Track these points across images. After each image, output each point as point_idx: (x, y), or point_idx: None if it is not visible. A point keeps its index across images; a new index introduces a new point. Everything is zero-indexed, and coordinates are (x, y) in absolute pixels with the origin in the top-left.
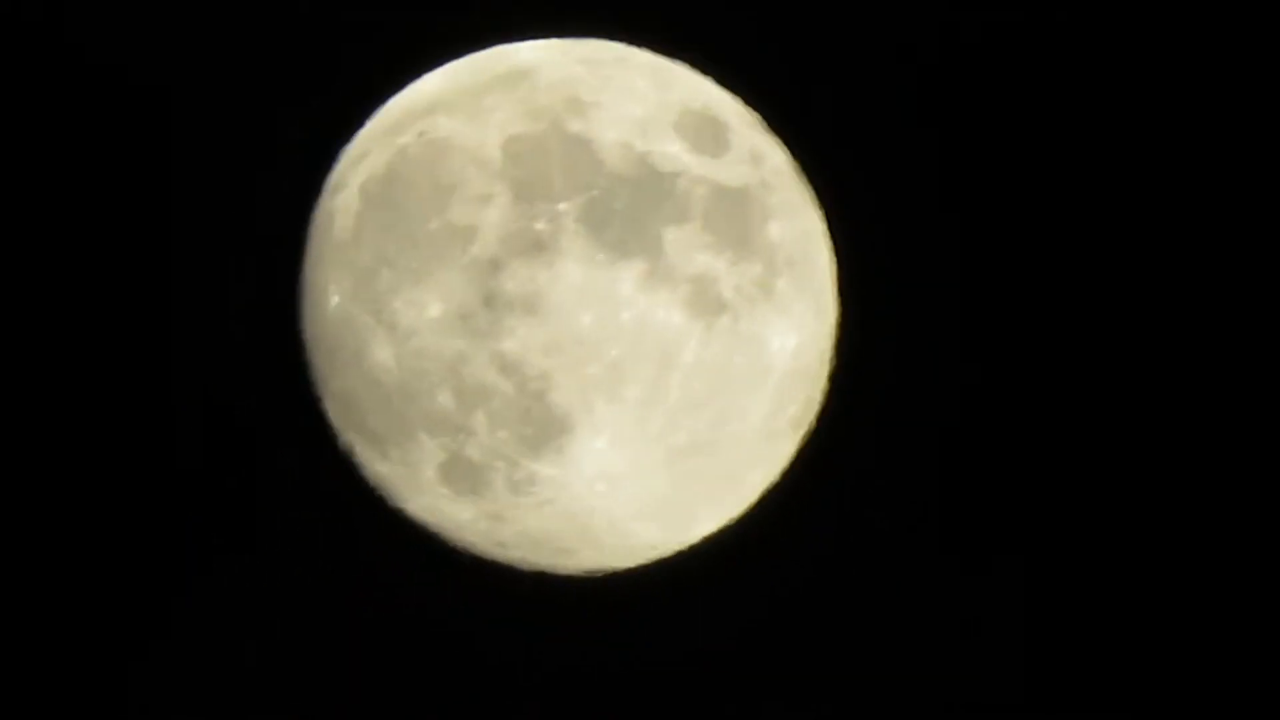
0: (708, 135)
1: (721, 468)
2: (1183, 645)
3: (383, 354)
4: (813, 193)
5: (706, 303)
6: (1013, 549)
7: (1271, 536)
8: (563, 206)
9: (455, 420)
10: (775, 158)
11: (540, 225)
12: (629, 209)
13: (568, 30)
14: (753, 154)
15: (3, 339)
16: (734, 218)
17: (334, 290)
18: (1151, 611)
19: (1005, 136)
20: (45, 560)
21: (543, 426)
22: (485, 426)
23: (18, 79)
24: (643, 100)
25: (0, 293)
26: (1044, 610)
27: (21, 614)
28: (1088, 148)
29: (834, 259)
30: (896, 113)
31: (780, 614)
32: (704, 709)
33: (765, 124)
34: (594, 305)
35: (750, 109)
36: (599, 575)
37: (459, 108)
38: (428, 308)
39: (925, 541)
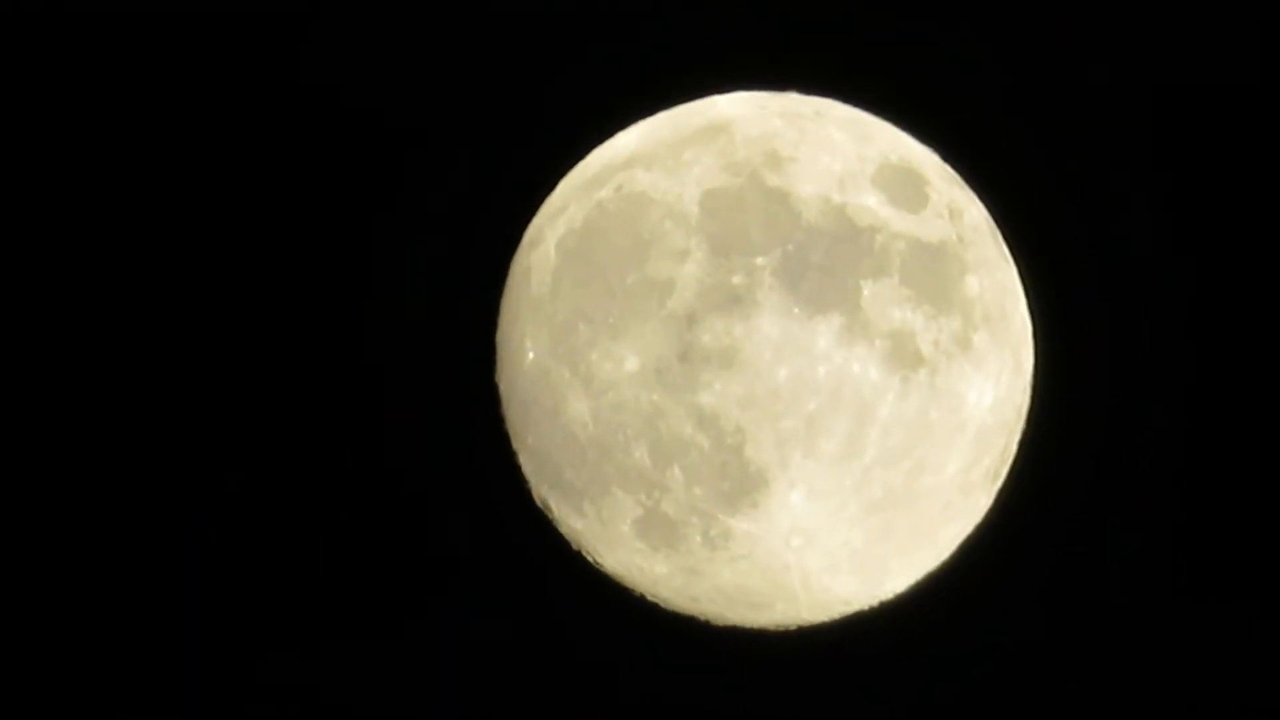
0: (906, 189)
1: (917, 521)
2: None
3: (579, 408)
4: (1010, 247)
5: (904, 357)
6: (1222, 600)
7: None
8: (760, 260)
9: (651, 476)
10: (973, 212)
11: (737, 279)
12: (826, 263)
13: (766, 83)
14: (950, 209)
15: (210, 404)
16: (932, 272)
17: (530, 345)
18: None
19: (1207, 187)
20: (245, 598)
21: (738, 481)
22: (681, 482)
23: (238, 120)
24: (841, 154)
25: (203, 351)
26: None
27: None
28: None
29: (1031, 313)
30: (1093, 167)
31: (974, 671)
32: None
33: (963, 178)
34: (790, 359)
35: (948, 163)
36: (793, 629)
37: (657, 161)
38: (624, 362)
39: (1126, 596)
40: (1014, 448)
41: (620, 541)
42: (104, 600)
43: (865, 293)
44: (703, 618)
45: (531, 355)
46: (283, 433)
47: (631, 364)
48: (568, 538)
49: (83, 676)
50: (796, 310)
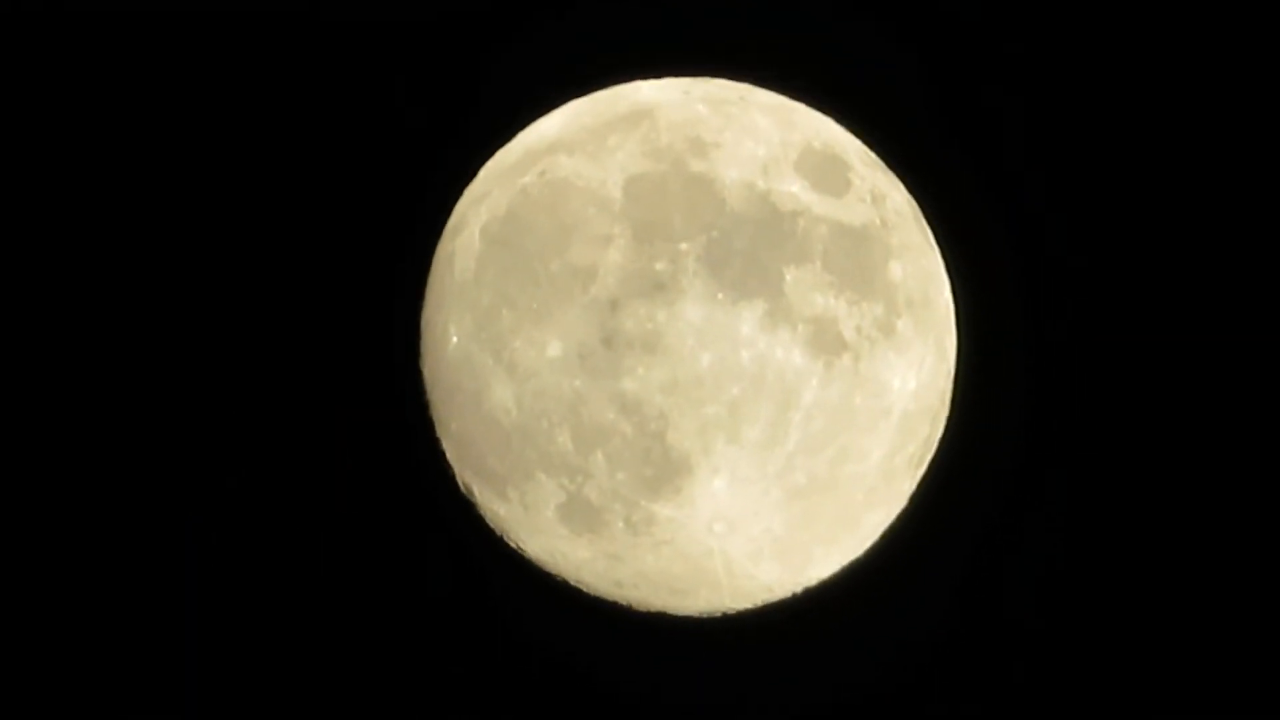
0: (829, 175)
1: (840, 509)
2: None
3: (502, 394)
4: (932, 233)
5: (827, 343)
6: (1141, 588)
7: None
8: (683, 246)
9: (574, 461)
10: (896, 197)
11: (660, 265)
12: (750, 249)
13: (689, 69)
14: (874, 194)
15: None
16: (855, 258)
17: (454, 330)
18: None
19: (1126, 174)
20: (175, 592)
21: (661, 467)
22: (604, 468)
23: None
24: (765, 140)
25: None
26: (1186, 658)
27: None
28: (1202, 185)
29: (954, 299)
30: (1016, 152)
31: (898, 657)
32: None
33: (886, 163)
34: (714, 345)
35: (871, 148)
36: (716, 616)
37: (580, 147)
38: (547, 347)
39: (1047, 583)
40: (938, 435)
41: (543, 527)
42: (103, 600)
43: (788, 278)
44: (626, 603)
45: (455, 341)
46: (206, 415)
47: (554, 349)
48: (491, 524)
49: (82, 676)
50: (720, 296)
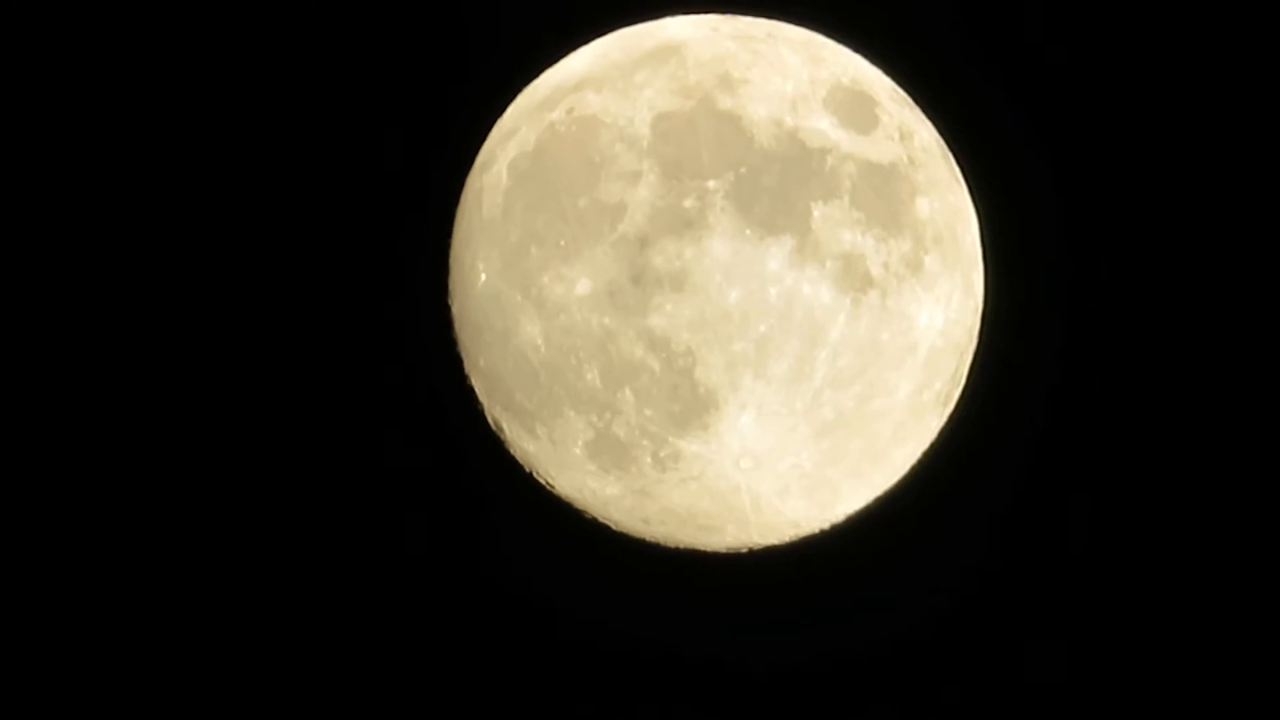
0: (857, 111)
1: (868, 444)
2: None
3: (531, 331)
4: (960, 169)
5: (854, 279)
6: (1166, 523)
7: None
8: (711, 184)
9: (602, 397)
10: (924, 134)
11: (689, 202)
12: (778, 185)
13: (718, 6)
14: (902, 130)
15: (147, 321)
16: (882, 194)
17: (482, 267)
18: None
19: (1153, 112)
20: (188, 548)
21: (689, 403)
22: (632, 404)
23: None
24: (793, 76)
25: (144, 274)
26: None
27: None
28: (1233, 120)
29: (981, 235)
30: (1045, 89)
31: (925, 592)
32: (846, 687)
33: (914, 100)
34: (742, 282)
35: (899, 85)
36: (743, 552)
37: (608, 84)
38: (576, 284)
39: (1075, 518)
40: (965, 371)
41: (572, 463)
42: (102, 599)
43: (815, 214)
44: (653, 540)
45: (484, 278)
46: (232, 352)
47: (583, 287)
48: (520, 460)
49: (81, 676)
50: (748, 233)
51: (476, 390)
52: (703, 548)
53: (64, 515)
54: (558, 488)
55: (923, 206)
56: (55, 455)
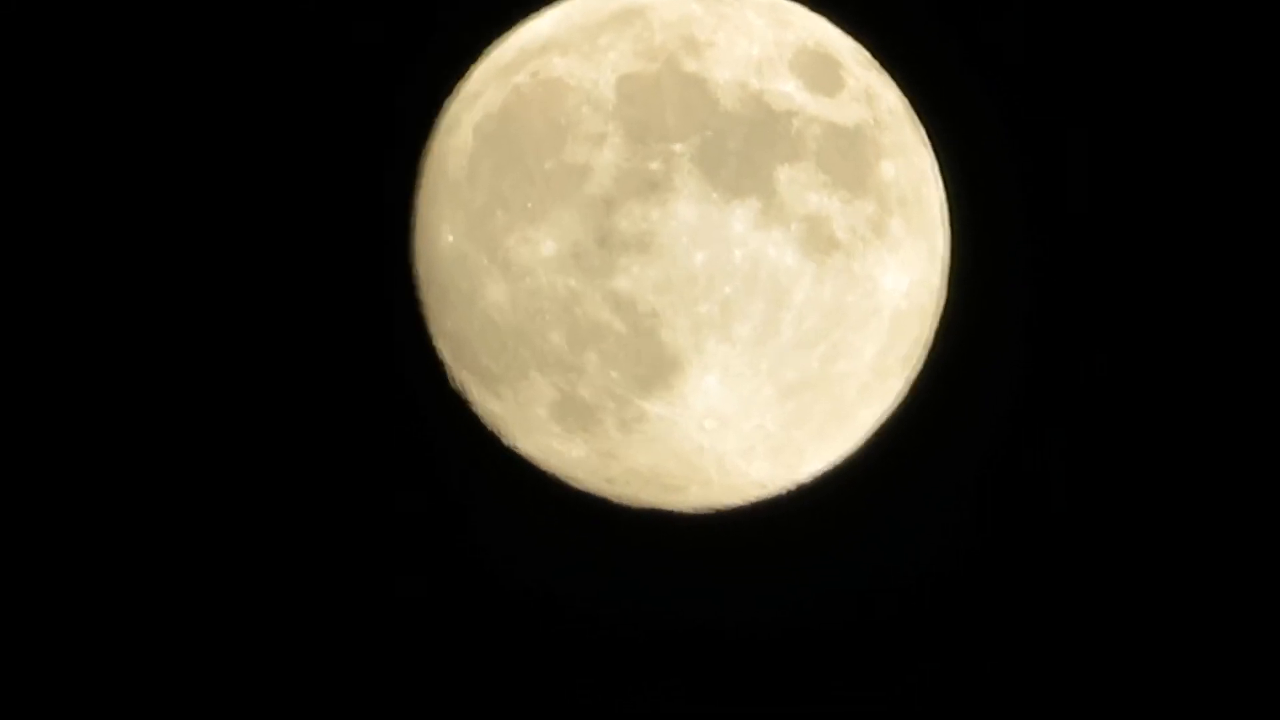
0: (823, 74)
1: (832, 406)
2: None
3: (496, 293)
4: (926, 132)
5: (819, 242)
6: (1134, 487)
7: None
8: (677, 146)
9: (567, 359)
10: (889, 97)
11: (654, 165)
12: (743, 148)
13: None
14: (867, 93)
15: (114, 288)
16: (847, 157)
17: (448, 229)
18: None
19: (1121, 76)
20: (161, 524)
21: (654, 365)
22: (597, 366)
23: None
24: (759, 39)
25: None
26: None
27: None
28: (1204, 95)
29: (946, 199)
30: (1010, 52)
31: (888, 554)
32: (808, 649)
33: (879, 63)
34: (707, 244)
35: (865, 48)
36: (707, 513)
37: (573, 46)
38: (541, 246)
39: (1035, 483)
40: (929, 333)
41: (536, 425)
42: (101, 599)
43: (781, 178)
44: (618, 500)
45: (450, 240)
46: (193, 313)
47: (548, 248)
48: (485, 422)
49: (81, 676)
50: (713, 195)
51: (442, 352)
52: (667, 508)
53: (51, 513)
54: (522, 449)
55: (888, 169)
56: (27, 448)
